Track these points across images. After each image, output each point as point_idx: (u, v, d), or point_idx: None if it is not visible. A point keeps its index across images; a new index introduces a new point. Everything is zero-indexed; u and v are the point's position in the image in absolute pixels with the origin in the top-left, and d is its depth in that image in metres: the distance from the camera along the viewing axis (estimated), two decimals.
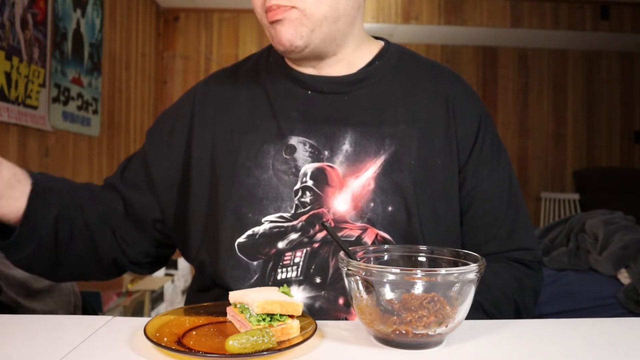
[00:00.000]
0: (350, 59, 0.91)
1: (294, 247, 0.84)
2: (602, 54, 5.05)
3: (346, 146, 0.86)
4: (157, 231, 0.95)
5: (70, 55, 2.93)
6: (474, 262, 0.64)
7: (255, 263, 0.84)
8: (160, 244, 0.98)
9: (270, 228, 0.85)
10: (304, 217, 0.85)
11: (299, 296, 0.83)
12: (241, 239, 0.85)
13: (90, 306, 2.16)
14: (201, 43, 4.63)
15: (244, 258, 0.84)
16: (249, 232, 0.85)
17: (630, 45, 4.84)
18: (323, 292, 0.82)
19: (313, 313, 0.82)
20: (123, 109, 3.76)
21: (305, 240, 0.84)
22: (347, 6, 0.85)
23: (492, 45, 4.97)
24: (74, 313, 1.98)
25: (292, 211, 0.85)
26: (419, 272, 0.59)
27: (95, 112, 3.25)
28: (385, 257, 0.72)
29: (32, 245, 0.83)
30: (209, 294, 0.90)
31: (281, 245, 0.84)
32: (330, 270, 0.83)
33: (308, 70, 0.91)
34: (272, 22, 0.83)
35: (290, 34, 0.82)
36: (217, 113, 0.93)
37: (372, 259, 0.72)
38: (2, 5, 2.26)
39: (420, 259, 0.72)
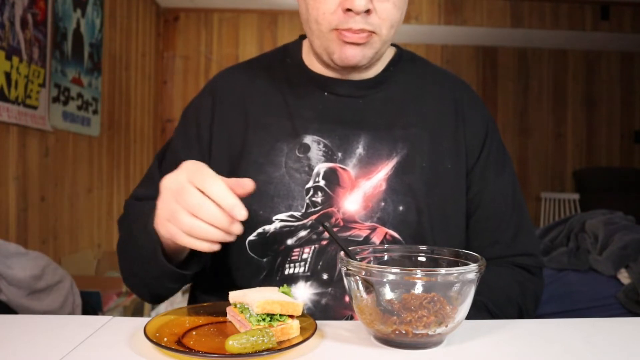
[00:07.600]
0: (375, 66, 0.93)
1: (302, 243, 0.85)
2: (602, 54, 5.05)
3: (360, 150, 0.87)
4: None
5: (70, 55, 2.93)
6: (474, 262, 0.64)
7: (265, 260, 0.85)
8: None
9: (281, 227, 0.85)
10: (314, 217, 0.85)
11: (306, 292, 0.83)
12: (252, 237, 0.85)
13: (90, 306, 2.16)
14: (201, 43, 4.63)
15: (254, 256, 0.85)
16: (260, 230, 0.85)
17: (630, 45, 4.84)
18: (330, 289, 0.83)
19: (319, 309, 0.82)
20: (123, 109, 3.76)
21: (314, 237, 0.85)
22: (399, 27, 0.87)
23: (492, 45, 4.97)
24: (74, 313, 1.98)
25: (303, 210, 0.85)
26: (419, 272, 0.59)
27: (95, 112, 3.25)
28: (386, 257, 0.73)
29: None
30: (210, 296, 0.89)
31: (290, 242, 0.85)
32: (338, 268, 0.83)
33: (332, 74, 0.91)
34: (347, 42, 0.82)
35: (360, 56, 0.83)
36: (233, 109, 0.92)
37: (372, 259, 0.72)
38: (2, 5, 2.26)
39: (420, 259, 0.72)
